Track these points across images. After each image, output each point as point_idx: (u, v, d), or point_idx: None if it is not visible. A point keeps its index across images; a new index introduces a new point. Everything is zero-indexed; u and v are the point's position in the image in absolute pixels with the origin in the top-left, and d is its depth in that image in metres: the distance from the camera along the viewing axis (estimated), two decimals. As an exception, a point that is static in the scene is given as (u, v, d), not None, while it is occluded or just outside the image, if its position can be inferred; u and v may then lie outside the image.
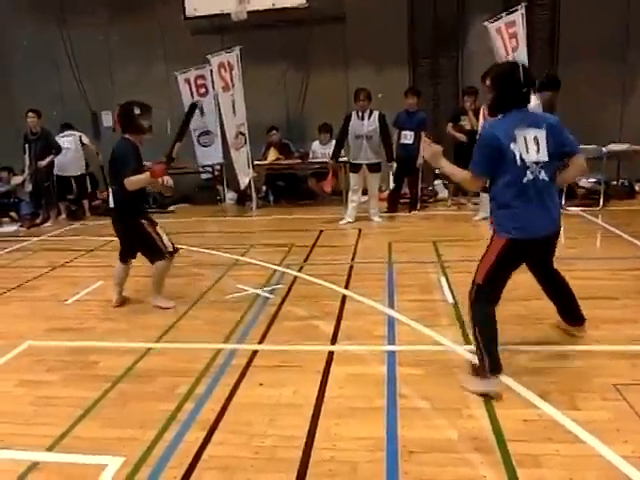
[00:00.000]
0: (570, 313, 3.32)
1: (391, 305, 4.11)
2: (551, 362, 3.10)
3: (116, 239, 4.51)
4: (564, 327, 3.41)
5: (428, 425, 2.56)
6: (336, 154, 7.28)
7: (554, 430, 2.46)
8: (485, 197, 6.49)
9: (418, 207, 7.72)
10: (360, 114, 6.94)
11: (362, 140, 6.96)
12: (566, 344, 3.30)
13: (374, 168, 7.10)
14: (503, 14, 7.47)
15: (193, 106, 4.24)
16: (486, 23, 7.64)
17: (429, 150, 3.09)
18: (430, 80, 8.89)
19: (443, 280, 4.52)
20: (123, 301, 4.56)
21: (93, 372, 3.33)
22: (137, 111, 4.12)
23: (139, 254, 4.46)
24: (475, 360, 2.95)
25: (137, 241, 4.32)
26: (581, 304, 3.75)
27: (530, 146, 2.74)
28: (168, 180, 4.31)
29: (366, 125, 6.93)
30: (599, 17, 7.90)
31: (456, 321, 3.74)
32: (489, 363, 2.80)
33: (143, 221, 4.24)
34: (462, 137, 7.39)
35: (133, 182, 4.02)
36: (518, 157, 2.73)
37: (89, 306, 4.55)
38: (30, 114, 7.98)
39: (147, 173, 4.05)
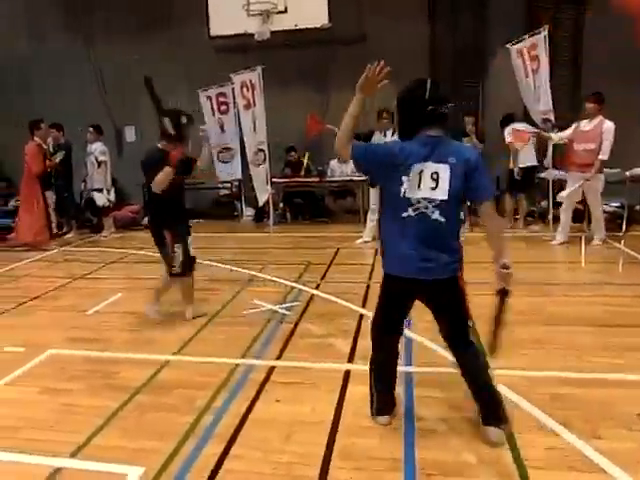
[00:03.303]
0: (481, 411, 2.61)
1: (408, 325, 4.10)
2: (573, 389, 3.06)
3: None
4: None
5: (445, 447, 2.55)
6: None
7: (576, 459, 2.43)
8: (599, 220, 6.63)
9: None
10: (383, 132, 7.04)
11: None
12: (588, 371, 3.26)
13: None
14: (526, 36, 7.52)
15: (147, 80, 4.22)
16: (508, 45, 7.70)
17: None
18: (451, 101, 8.89)
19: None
20: None
21: (113, 382, 3.37)
22: None
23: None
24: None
25: None
26: (605, 331, 3.69)
27: (424, 181, 2.41)
28: None
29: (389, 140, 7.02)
30: (622, 39, 7.86)
31: (473, 343, 3.72)
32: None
33: None
34: None
35: None
36: (402, 191, 2.43)
37: (109, 317, 4.62)
38: (51, 129, 8.16)
39: None
